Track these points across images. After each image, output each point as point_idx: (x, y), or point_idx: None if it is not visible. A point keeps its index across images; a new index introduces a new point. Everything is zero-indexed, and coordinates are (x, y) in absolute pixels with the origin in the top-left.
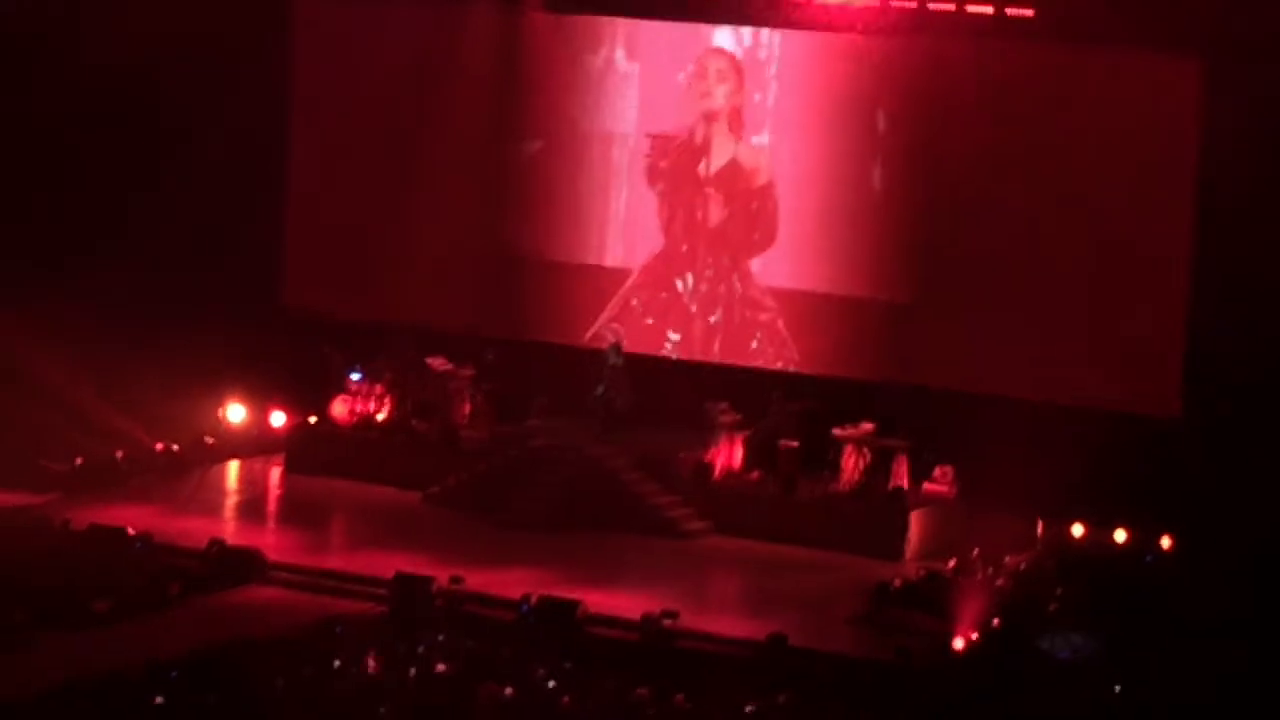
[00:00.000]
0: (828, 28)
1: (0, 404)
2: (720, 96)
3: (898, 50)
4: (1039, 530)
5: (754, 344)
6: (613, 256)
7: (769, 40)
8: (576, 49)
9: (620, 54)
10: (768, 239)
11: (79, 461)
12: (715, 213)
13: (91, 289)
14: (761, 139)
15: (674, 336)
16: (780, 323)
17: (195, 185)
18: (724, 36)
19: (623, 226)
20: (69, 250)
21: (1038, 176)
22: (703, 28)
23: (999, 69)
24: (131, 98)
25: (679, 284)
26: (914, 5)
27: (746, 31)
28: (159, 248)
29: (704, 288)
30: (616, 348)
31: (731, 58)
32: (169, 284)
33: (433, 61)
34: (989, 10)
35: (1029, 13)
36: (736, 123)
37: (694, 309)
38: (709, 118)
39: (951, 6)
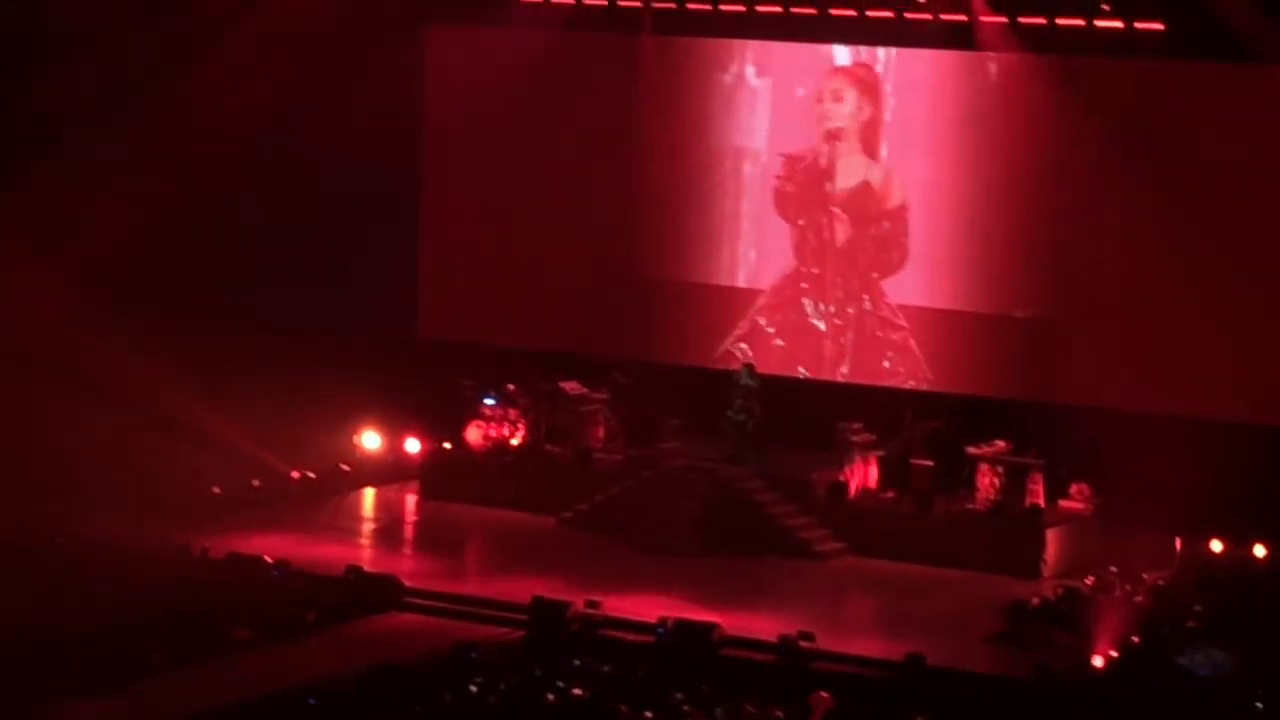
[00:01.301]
0: (955, 46)
1: (139, 435)
2: (850, 116)
3: (1027, 67)
4: (1177, 546)
5: (886, 363)
6: (743, 277)
7: (896, 59)
8: (706, 68)
9: (750, 70)
10: (900, 260)
11: (217, 490)
12: (843, 233)
13: (229, 320)
14: (891, 158)
15: (803, 371)
16: (912, 341)
17: (332, 219)
18: (849, 55)
19: (752, 247)
20: (209, 285)
21: (1169, 191)
22: (828, 47)
23: (1129, 83)
24: (272, 141)
25: (808, 305)
26: (1042, 21)
27: (878, 51)
28: (297, 281)
29: (833, 308)
30: (749, 369)
31: (861, 77)
32: (305, 315)
33: (560, 89)
34: (1119, 25)
35: (1159, 26)
36: (867, 142)
37: (824, 329)
38: (837, 137)
39: (1081, 22)
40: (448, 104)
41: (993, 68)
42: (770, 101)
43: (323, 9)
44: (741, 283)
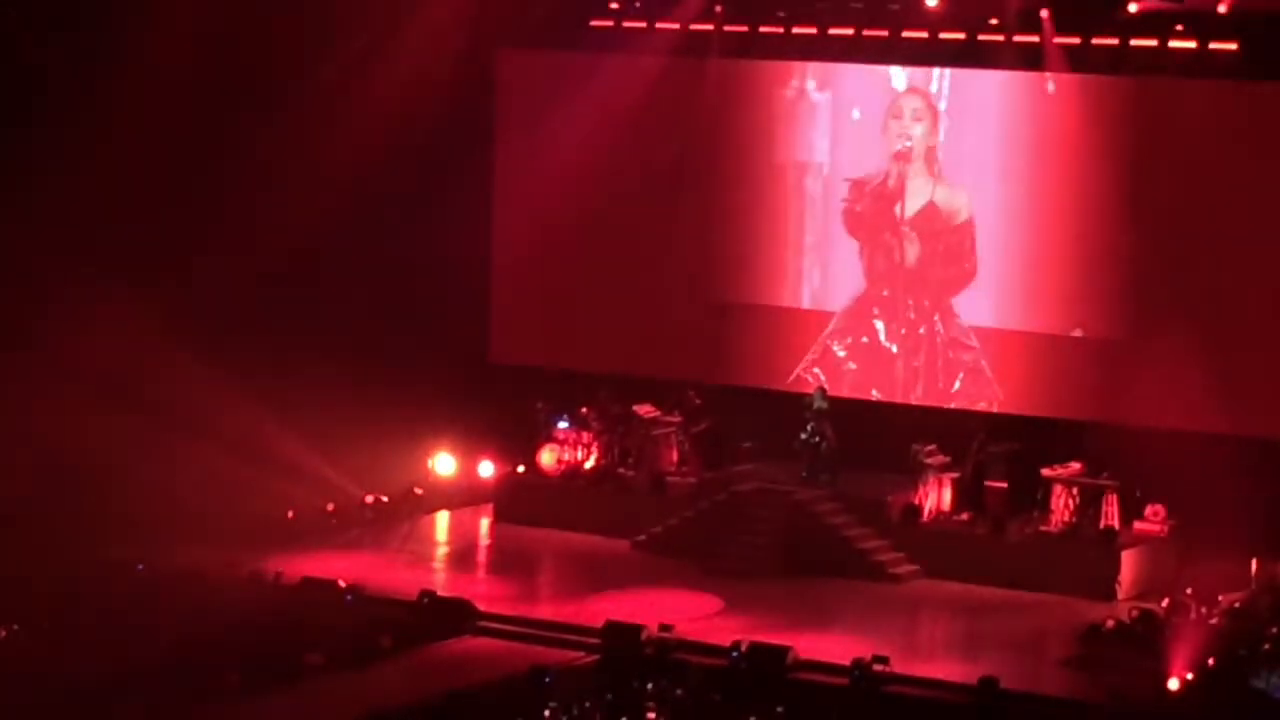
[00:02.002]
0: (1026, 67)
1: (213, 461)
2: (917, 137)
3: (1100, 87)
4: (1253, 568)
5: (957, 385)
6: (813, 300)
7: (963, 80)
8: (769, 85)
9: (811, 84)
10: (970, 272)
11: (291, 514)
12: (913, 254)
13: (302, 346)
14: (958, 178)
15: (876, 394)
16: (984, 362)
17: (405, 245)
18: (912, 76)
19: (823, 270)
20: (282, 311)
21: (1243, 211)
22: (891, 69)
23: (1202, 103)
24: (347, 166)
25: (879, 327)
26: (1115, 42)
27: (944, 72)
28: (370, 306)
29: (904, 330)
30: (822, 392)
31: (927, 98)
32: (379, 340)
33: (629, 112)
34: (1192, 45)
35: (1233, 46)
36: (932, 163)
37: (896, 351)
38: (904, 158)
39: (1154, 42)
40: (517, 128)
41: (1061, 88)
42: (832, 120)
43: (396, 34)
44: (812, 305)
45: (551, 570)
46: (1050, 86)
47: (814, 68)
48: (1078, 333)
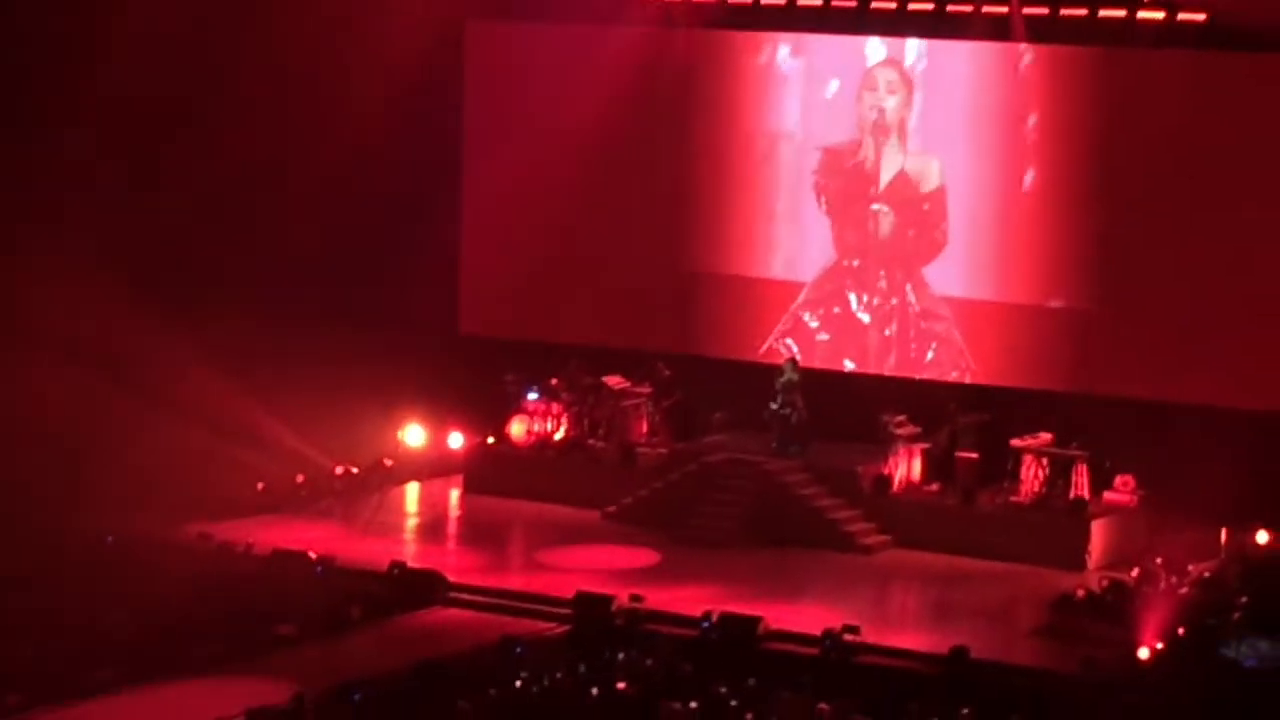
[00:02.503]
0: (994, 38)
1: (182, 432)
2: (890, 109)
3: (1066, 57)
4: (1223, 538)
5: (930, 355)
6: (783, 270)
7: (933, 51)
8: (740, 55)
9: (783, 52)
10: (941, 241)
11: (260, 486)
12: (885, 224)
13: (270, 317)
14: (930, 149)
15: (849, 365)
16: (956, 333)
17: (373, 216)
18: (884, 47)
19: (793, 240)
20: (250, 281)
21: (1211, 182)
22: (860, 39)
23: (1171, 75)
24: (312, 137)
25: (851, 297)
26: (1084, 13)
27: (913, 43)
28: (339, 277)
29: (876, 300)
30: (793, 363)
31: (901, 69)
32: (347, 311)
33: (598, 82)
34: (1161, 16)
35: (1201, 17)
36: (904, 134)
37: (867, 321)
38: (878, 130)
39: (1122, 13)
40: (486, 99)
41: (1031, 59)
42: (804, 90)
43: (362, 5)
44: (783, 275)
45: (522, 541)
46: (1027, 58)
47: (786, 36)
48: (1056, 303)
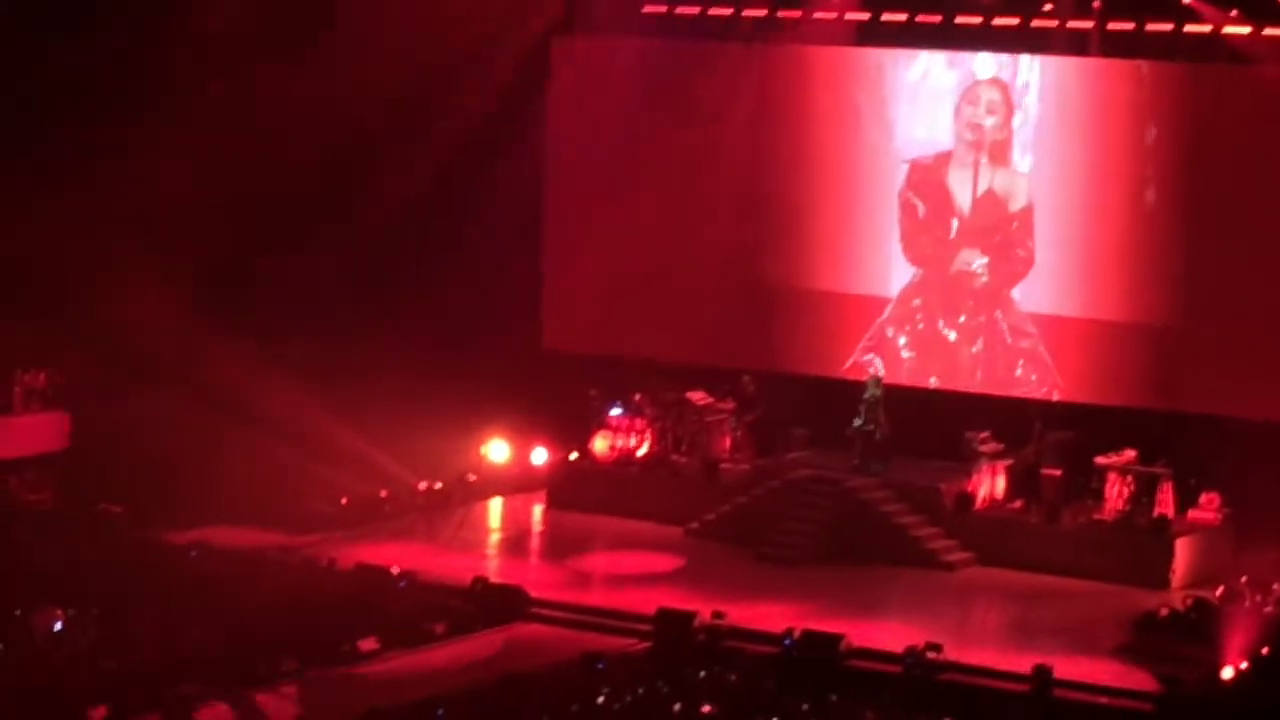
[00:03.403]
0: (1085, 52)
1: (266, 447)
2: (990, 127)
3: (1158, 72)
4: None
5: (1018, 372)
6: (869, 285)
7: (1027, 65)
8: (827, 73)
9: (872, 67)
10: (1027, 262)
11: (344, 501)
12: (971, 240)
13: (355, 333)
14: (1018, 165)
15: (933, 381)
16: (1042, 349)
17: (457, 232)
18: (975, 62)
19: (878, 255)
20: (336, 297)
21: None
22: (949, 54)
23: (1258, 89)
24: (396, 152)
25: (936, 314)
26: (1169, 28)
27: (1004, 58)
28: (423, 293)
29: (964, 318)
30: (876, 379)
31: (1004, 88)
32: (431, 327)
33: (682, 97)
34: (1246, 31)
35: None
36: (999, 152)
37: (953, 339)
38: (975, 147)
39: (1208, 29)
40: (571, 114)
41: (1116, 74)
42: (896, 107)
43: (448, 21)
44: (867, 290)
45: (604, 557)
46: (1124, 75)
47: (883, 61)
48: (1149, 321)
